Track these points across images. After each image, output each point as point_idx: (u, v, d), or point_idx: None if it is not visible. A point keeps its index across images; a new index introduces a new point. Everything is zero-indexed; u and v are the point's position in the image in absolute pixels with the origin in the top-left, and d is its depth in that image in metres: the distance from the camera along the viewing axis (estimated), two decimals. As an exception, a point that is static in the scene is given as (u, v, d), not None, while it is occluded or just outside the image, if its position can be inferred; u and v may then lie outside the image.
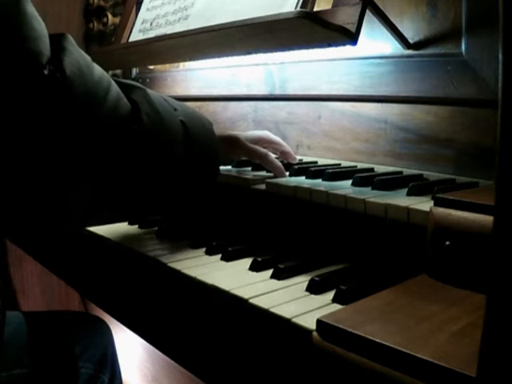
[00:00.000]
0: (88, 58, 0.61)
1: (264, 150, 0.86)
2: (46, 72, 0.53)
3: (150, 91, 0.69)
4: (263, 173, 0.87)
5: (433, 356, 0.37)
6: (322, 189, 0.71)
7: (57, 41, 0.57)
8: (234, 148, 0.86)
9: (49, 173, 0.57)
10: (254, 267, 0.66)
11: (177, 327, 0.69)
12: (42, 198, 0.59)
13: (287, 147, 0.94)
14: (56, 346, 1.02)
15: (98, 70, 0.62)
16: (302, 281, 0.61)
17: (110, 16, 1.57)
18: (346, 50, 0.87)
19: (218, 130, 0.82)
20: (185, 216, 0.92)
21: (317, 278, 0.59)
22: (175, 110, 0.71)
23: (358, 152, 0.94)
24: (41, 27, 0.56)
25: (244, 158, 0.92)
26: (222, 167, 0.92)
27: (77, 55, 0.58)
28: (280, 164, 0.85)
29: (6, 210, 0.60)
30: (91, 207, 0.64)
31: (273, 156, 0.86)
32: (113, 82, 0.63)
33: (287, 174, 0.84)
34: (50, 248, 1.07)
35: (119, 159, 0.61)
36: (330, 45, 0.76)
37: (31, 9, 0.56)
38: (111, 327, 1.18)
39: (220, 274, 0.65)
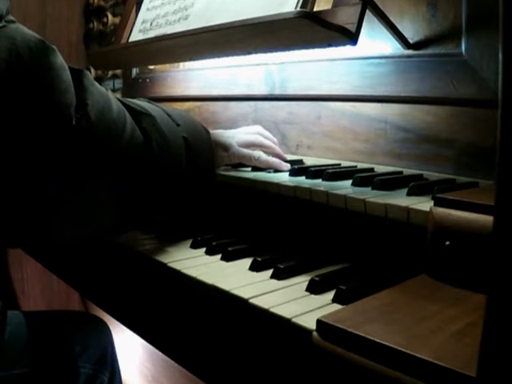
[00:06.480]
0: (105, 92, 0.66)
1: (255, 153, 0.88)
2: (73, 122, 0.59)
3: (156, 114, 0.73)
4: (263, 173, 0.87)
5: (433, 356, 0.37)
6: (321, 189, 0.71)
7: (78, 79, 0.62)
8: (227, 156, 0.88)
9: (75, 201, 0.63)
10: (254, 267, 0.66)
11: (177, 327, 0.69)
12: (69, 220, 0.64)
13: (277, 149, 0.94)
14: (56, 345, 1.02)
15: (114, 104, 0.66)
16: (302, 281, 0.61)
17: (110, 16, 1.57)
18: (345, 50, 0.87)
19: (219, 129, 0.82)
20: (185, 216, 0.92)
21: (317, 278, 0.59)
22: (178, 125, 0.76)
23: (357, 152, 0.94)
24: (67, 76, 0.60)
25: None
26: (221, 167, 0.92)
27: (97, 95, 0.63)
28: (274, 159, 0.89)
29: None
30: (115, 221, 0.72)
31: (264, 156, 0.89)
32: (127, 114, 0.68)
33: (287, 173, 0.84)
34: (50, 248, 1.07)
35: (133, 181, 0.68)
36: (330, 45, 0.76)
37: (60, 60, 0.60)
38: (111, 327, 1.18)
39: (220, 273, 0.65)
